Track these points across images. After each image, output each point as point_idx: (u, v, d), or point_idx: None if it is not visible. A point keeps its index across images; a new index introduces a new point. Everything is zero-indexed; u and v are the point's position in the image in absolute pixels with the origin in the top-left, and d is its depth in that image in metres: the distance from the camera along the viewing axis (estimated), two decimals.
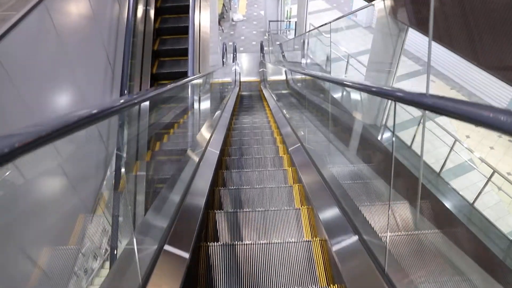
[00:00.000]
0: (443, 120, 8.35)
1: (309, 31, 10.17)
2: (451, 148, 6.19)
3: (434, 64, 10.45)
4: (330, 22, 6.39)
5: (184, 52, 4.32)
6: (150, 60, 4.62)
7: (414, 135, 7.45)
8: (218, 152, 3.10)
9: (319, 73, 3.01)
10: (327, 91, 3.32)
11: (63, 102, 2.83)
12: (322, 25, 7.21)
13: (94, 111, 0.88)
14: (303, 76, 8.38)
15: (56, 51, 2.70)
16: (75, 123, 0.77)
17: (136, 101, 1.37)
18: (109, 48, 3.81)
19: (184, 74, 4.28)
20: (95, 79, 3.49)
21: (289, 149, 3.28)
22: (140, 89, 4.50)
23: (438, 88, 9.45)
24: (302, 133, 3.48)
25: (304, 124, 3.93)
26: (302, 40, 8.69)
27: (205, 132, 3.57)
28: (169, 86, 2.03)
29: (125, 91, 3.89)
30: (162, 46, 5.06)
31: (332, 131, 2.78)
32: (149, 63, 4.62)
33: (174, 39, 5.14)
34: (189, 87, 3.17)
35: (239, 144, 4.13)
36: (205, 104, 4.28)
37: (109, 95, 3.83)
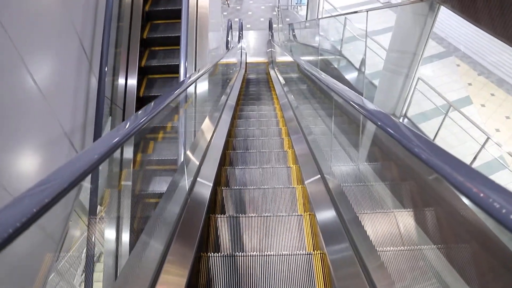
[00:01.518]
0: (470, 110, 7.58)
1: (323, 18, 9.27)
2: (482, 146, 5.46)
3: (459, 45, 9.55)
4: (367, 11, 5.56)
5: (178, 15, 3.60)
6: (140, 23, 3.96)
7: (438, 129, 6.75)
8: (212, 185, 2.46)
9: (332, 81, 2.24)
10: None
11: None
12: (351, 13, 6.38)
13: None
14: (320, 58, 7.57)
15: None
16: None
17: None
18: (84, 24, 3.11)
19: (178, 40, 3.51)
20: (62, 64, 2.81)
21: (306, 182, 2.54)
22: (128, 57, 3.82)
23: (464, 74, 8.59)
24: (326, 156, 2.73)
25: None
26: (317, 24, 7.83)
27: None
28: (154, 112, 1.38)
29: (104, 78, 3.22)
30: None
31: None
32: (139, 26, 3.95)
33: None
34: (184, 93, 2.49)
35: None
36: (202, 101, 3.61)
37: (85, 77, 3.17)
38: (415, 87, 6.57)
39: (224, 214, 2.21)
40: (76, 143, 2.95)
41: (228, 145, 3.47)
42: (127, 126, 1.13)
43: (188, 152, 2.51)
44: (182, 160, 2.50)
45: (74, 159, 0.83)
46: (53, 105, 2.57)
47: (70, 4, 2.88)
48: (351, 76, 7.81)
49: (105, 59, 3.15)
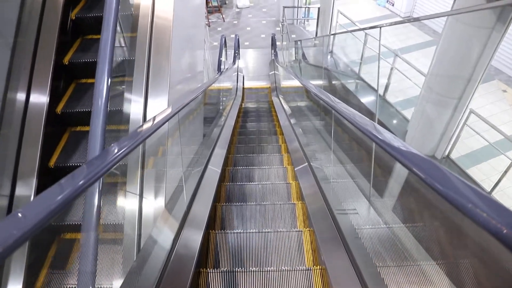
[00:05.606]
0: None
1: (336, 33, 7.78)
2: None
3: (502, 66, 7.99)
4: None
5: None
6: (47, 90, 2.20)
7: (501, 177, 5.11)
8: None
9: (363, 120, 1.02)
10: None
11: None
12: (371, 28, 4.85)
13: None
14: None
15: None
16: None
17: None
18: None
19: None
20: None
21: None
22: (22, 133, 2.11)
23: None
24: None
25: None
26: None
27: None
28: None
29: None
30: None
31: None
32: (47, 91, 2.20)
33: None
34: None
35: None
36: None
37: None
38: (464, 122, 5.00)
39: None
40: None
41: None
42: None
43: None
44: None
45: None
46: None
47: None
48: (368, 100, 6.23)
49: None
